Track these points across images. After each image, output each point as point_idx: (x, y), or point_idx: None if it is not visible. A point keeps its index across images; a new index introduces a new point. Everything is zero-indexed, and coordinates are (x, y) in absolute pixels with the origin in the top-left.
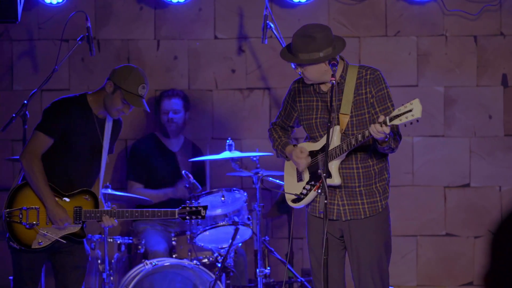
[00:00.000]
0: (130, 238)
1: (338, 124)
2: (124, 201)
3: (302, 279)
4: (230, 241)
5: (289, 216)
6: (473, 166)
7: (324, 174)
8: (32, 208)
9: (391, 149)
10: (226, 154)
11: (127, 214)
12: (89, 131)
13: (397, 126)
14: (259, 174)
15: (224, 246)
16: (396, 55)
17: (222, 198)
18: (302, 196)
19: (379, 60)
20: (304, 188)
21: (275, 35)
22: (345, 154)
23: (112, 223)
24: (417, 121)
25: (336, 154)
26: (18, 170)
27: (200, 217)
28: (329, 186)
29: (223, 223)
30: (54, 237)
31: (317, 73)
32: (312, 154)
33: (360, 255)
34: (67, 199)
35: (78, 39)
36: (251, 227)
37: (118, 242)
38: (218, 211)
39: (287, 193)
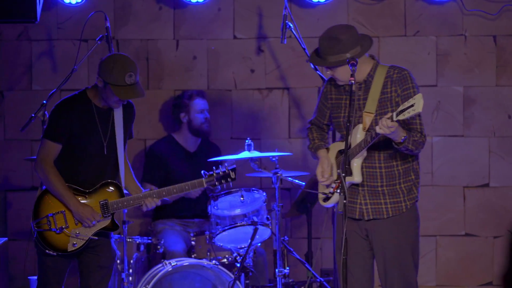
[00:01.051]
0: (149, 238)
1: (361, 122)
2: None
3: (321, 279)
4: (249, 241)
5: (308, 216)
6: (493, 166)
7: (344, 174)
8: (58, 212)
9: (409, 150)
10: (245, 154)
11: (156, 195)
12: (93, 125)
13: (421, 128)
14: (278, 174)
15: (243, 246)
16: (415, 55)
17: (241, 198)
18: (330, 195)
19: (398, 60)
20: (331, 187)
21: (294, 35)
22: (364, 151)
23: (155, 202)
24: (419, 115)
25: (356, 152)
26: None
27: (230, 179)
28: (351, 184)
29: (242, 223)
30: (86, 236)
31: (347, 73)
32: (339, 153)
33: (385, 255)
34: (90, 196)
35: (97, 39)
36: (270, 227)
37: (137, 242)
38: (237, 211)
39: (318, 192)
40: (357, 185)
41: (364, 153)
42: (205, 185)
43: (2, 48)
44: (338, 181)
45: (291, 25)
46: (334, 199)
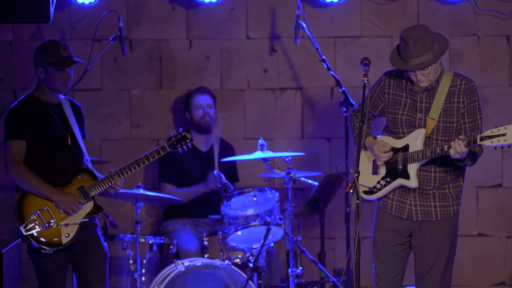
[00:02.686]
0: (162, 238)
1: (424, 126)
2: (156, 201)
3: (334, 279)
4: (262, 241)
5: (321, 216)
6: (505, 166)
7: (356, 174)
8: (42, 209)
9: (467, 165)
10: (258, 154)
11: (126, 171)
12: (49, 119)
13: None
14: (291, 174)
15: (256, 246)
16: None
17: (254, 198)
18: (376, 190)
19: None
20: (378, 182)
21: (307, 34)
22: (426, 160)
23: (120, 182)
24: (509, 146)
25: (418, 158)
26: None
27: (188, 140)
28: (404, 187)
29: (255, 223)
30: (77, 222)
31: (436, 71)
32: (393, 150)
33: (428, 256)
34: (66, 187)
35: (110, 39)
36: (283, 227)
37: (150, 242)
38: (250, 211)
39: (360, 185)
40: (410, 188)
41: (425, 161)
42: (168, 149)
43: (15, 48)
44: (388, 179)
45: (304, 25)
46: (379, 194)
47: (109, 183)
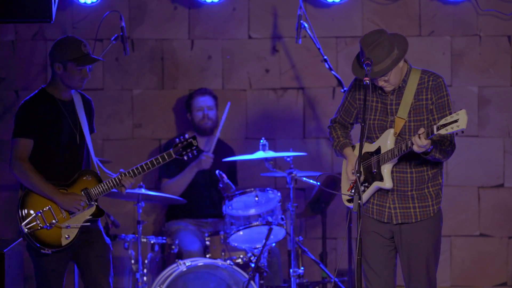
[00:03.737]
0: (164, 238)
1: (393, 127)
2: (158, 200)
3: (336, 279)
4: (264, 241)
5: (323, 216)
6: (507, 166)
7: (358, 174)
8: (45, 209)
9: (437, 159)
10: (259, 154)
11: (131, 174)
12: (61, 116)
13: (451, 136)
14: (293, 174)
15: (257, 246)
16: (430, 55)
17: (256, 198)
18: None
19: (412, 60)
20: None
21: (309, 35)
22: (396, 158)
23: (130, 181)
24: (462, 132)
25: (388, 158)
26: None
27: (194, 148)
28: (383, 190)
29: (257, 223)
30: (77, 225)
31: (397, 76)
32: (367, 155)
33: (410, 258)
34: (70, 188)
35: (112, 38)
36: (285, 227)
37: (152, 242)
38: (252, 211)
39: (343, 194)
40: (385, 189)
41: (395, 160)
42: (173, 156)
43: (17, 48)
44: (366, 184)
45: (306, 25)
46: (364, 198)
47: (115, 184)
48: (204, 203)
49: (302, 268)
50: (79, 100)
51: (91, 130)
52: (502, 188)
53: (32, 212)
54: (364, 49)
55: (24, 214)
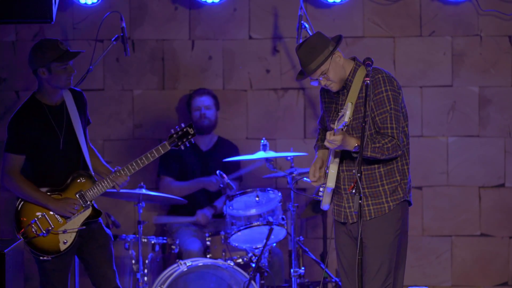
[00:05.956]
0: (164, 238)
1: None
2: (158, 201)
3: (336, 279)
4: (264, 241)
5: (324, 216)
6: (508, 166)
7: (359, 174)
8: (39, 217)
9: (374, 158)
10: (260, 154)
11: (125, 171)
12: (48, 125)
13: (392, 132)
14: (294, 174)
15: (258, 246)
16: (431, 55)
17: (257, 198)
18: (320, 198)
19: (413, 60)
20: (320, 190)
21: (309, 35)
22: (336, 159)
23: (123, 179)
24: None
25: (326, 159)
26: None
27: (191, 136)
28: (339, 190)
29: (258, 223)
30: (74, 229)
31: (336, 71)
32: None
33: (365, 255)
34: (65, 192)
35: (112, 39)
36: (286, 227)
37: (152, 242)
38: (253, 211)
39: (313, 197)
40: (342, 189)
41: (336, 159)
42: (169, 147)
43: (18, 49)
44: (323, 184)
45: (307, 26)
46: (323, 201)
47: (108, 184)
48: (205, 203)
49: (303, 268)
50: (70, 99)
51: (87, 122)
52: (503, 188)
53: (27, 221)
54: (296, 49)
55: (19, 224)
